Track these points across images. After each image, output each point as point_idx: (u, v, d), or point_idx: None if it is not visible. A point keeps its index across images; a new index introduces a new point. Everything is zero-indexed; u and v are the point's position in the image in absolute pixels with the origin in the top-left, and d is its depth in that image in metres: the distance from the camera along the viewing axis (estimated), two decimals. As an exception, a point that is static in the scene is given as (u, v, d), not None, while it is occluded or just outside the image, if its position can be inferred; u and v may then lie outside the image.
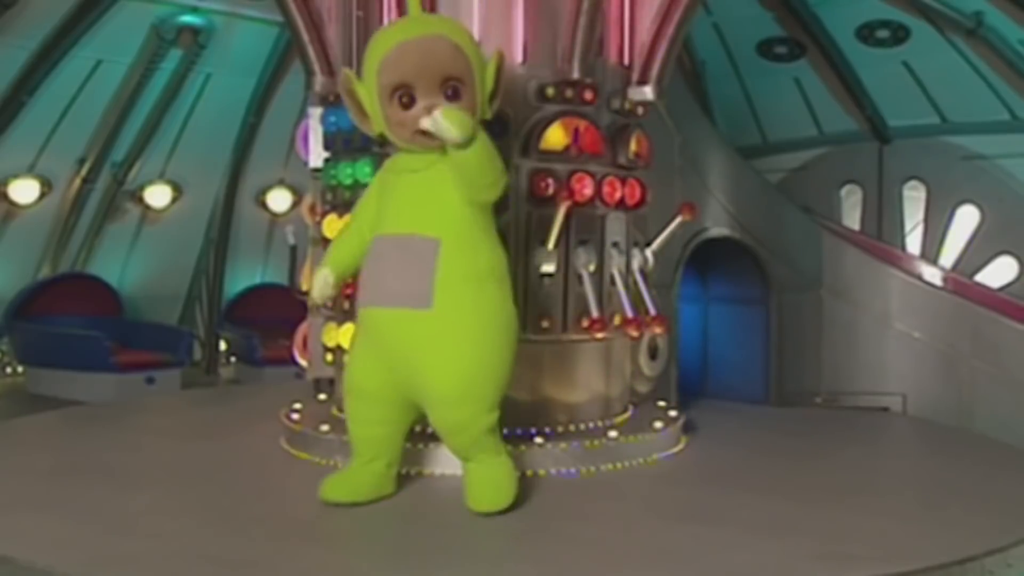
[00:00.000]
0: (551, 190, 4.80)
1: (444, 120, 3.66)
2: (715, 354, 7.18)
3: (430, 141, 3.79)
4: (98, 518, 3.78)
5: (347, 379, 4.05)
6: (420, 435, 4.35)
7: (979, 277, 9.24)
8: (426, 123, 3.71)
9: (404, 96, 3.80)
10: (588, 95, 4.99)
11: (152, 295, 12.05)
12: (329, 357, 5.24)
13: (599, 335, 4.95)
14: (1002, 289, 8.83)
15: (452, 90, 3.82)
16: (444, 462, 4.32)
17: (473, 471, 3.86)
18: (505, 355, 3.86)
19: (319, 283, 4.02)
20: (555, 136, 4.84)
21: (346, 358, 4.22)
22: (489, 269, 3.90)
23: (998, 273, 9.43)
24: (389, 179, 4.02)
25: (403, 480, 4.20)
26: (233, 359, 12.36)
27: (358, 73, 4.02)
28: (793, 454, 5.29)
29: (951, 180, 9.82)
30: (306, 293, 5.51)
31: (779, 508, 4.05)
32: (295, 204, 12.20)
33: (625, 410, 5.25)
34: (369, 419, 3.95)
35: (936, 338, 6.85)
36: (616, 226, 5.14)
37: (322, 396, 5.55)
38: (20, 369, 11.19)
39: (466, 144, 3.70)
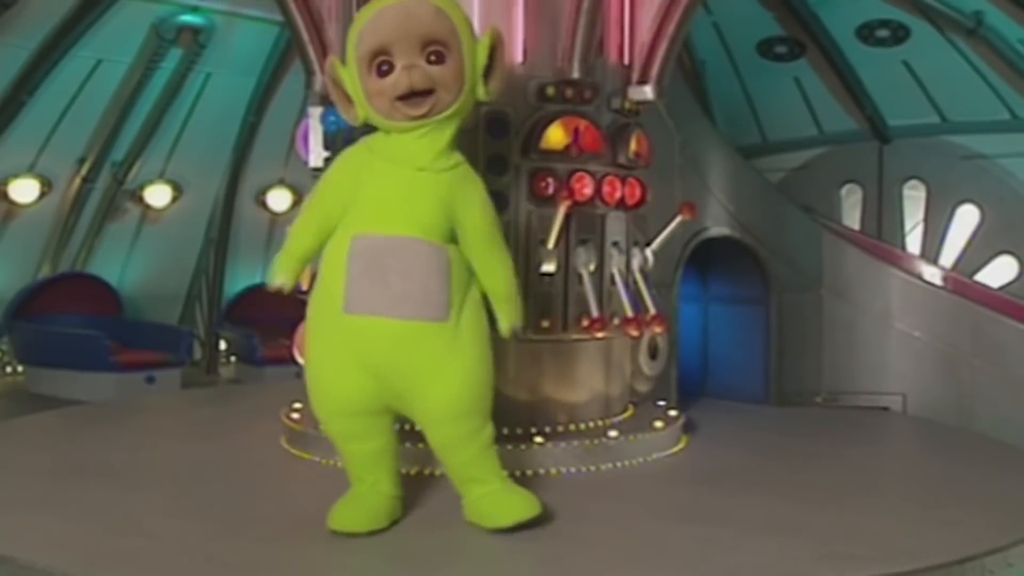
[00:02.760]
0: (551, 190, 4.80)
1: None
2: (715, 354, 7.17)
3: (410, 110, 3.57)
4: (98, 518, 3.78)
5: (325, 399, 3.71)
6: (420, 435, 4.35)
7: (979, 276, 9.23)
8: None
9: (383, 63, 3.57)
10: (588, 95, 4.99)
11: (152, 295, 12.03)
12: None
13: (599, 335, 4.96)
14: (1002, 288, 8.81)
15: (435, 54, 3.57)
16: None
17: (487, 492, 3.67)
18: (492, 361, 3.77)
19: (281, 283, 3.67)
20: (555, 136, 4.84)
21: (313, 372, 3.74)
22: (475, 281, 3.80)
23: (998, 273, 9.42)
24: (374, 164, 3.68)
25: (403, 480, 4.20)
26: (233, 359, 12.35)
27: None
28: (793, 454, 5.29)
29: (951, 180, 9.80)
30: (306, 293, 5.50)
31: (779, 508, 4.05)
32: (295, 204, 12.18)
33: (625, 410, 5.25)
34: (362, 434, 3.71)
35: (936, 338, 6.84)
36: (616, 225, 5.14)
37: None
38: (20, 369, 11.18)
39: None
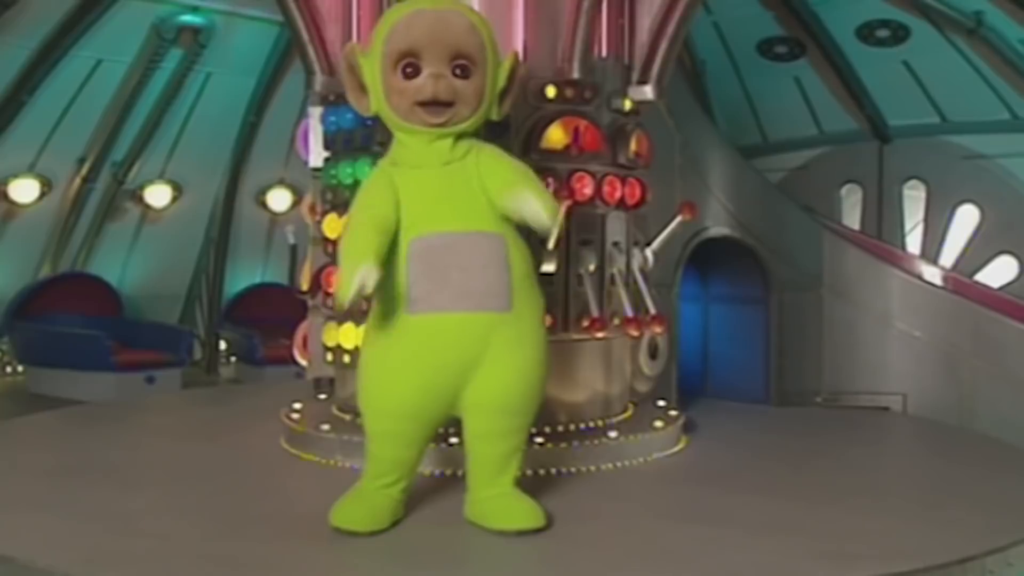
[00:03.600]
0: (551, 189, 4.79)
1: (537, 204, 3.48)
2: (715, 354, 7.17)
3: (429, 117, 3.61)
4: (98, 518, 3.78)
5: (382, 399, 3.64)
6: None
7: (979, 276, 9.23)
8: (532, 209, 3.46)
9: (409, 66, 3.60)
10: (588, 95, 4.99)
11: (152, 294, 12.05)
12: (329, 357, 5.23)
13: (599, 334, 4.95)
14: (1002, 288, 8.81)
15: (461, 68, 3.63)
16: (445, 462, 4.33)
17: (504, 494, 3.66)
18: (549, 360, 3.75)
19: (361, 280, 3.28)
20: (555, 136, 4.84)
21: (371, 371, 3.68)
22: (533, 266, 3.79)
23: (998, 272, 9.43)
24: (404, 173, 3.67)
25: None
26: (233, 359, 12.36)
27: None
28: (793, 454, 5.29)
29: (951, 180, 9.80)
30: (306, 293, 5.50)
31: (779, 508, 4.05)
32: (295, 204, 12.19)
33: (625, 410, 5.25)
34: (403, 441, 3.64)
35: (936, 337, 6.84)
36: (616, 225, 5.14)
37: (322, 395, 5.55)
38: (20, 369, 11.19)
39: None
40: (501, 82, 3.81)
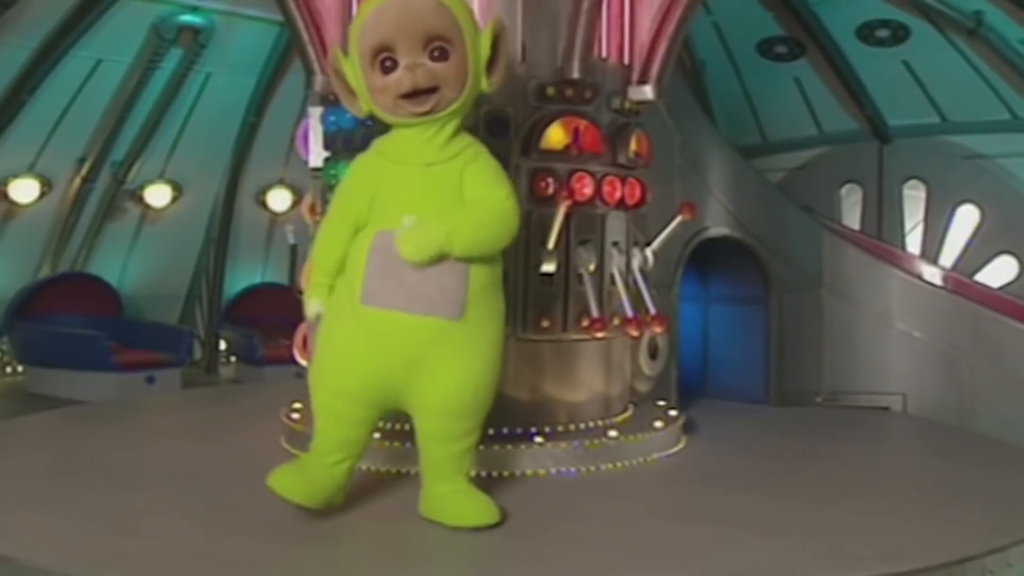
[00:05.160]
0: (551, 190, 4.80)
1: (401, 242, 3.51)
2: (715, 354, 7.17)
3: (414, 107, 3.59)
4: (98, 518, 3.78)
5: (329, 377, 3.72)
6: (412, 435, 4.35)
7: (979, 276, 9.23)
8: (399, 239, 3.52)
9: (386, 60, 3.58)
10: (588, 95, 4.99)
11: (152, 295, 12.04)
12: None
13: (599, 335, 4.95)
14: (1002, 288, 8.81)
15: (438, 51, 3.58)
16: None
17: (453, 491, 3.70)
18: (500, 366, 3.78)
19: (313, 310, 3.78)
20: (555, 136, 4.84)
21: (322, 349, 3.78)
22: (499, 276, 3.80)
23: (998, 272, 9.43)
24: (387, 167, 3.71)
25: (402, 480, 4.21)
26: (233, 359, 12.35)
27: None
28: (793, 454, 5.29)
29: (951, 180, 9.80)
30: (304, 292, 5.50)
31: (779, 508, 4.05)
32: (295, 204, 12.18)
33: (625, 410, 5.25)
34: (352, 421, 3.71)
35: (936, 337, 6.84)
36: (616, 225, 5.14)
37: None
38: (20, 369, 11.18)
39: (426, 257, 3.52)
40: (485, 52, 3.73)
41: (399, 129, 3.75)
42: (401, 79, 3.58)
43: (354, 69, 3.70)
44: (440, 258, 3.55)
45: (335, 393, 3.71)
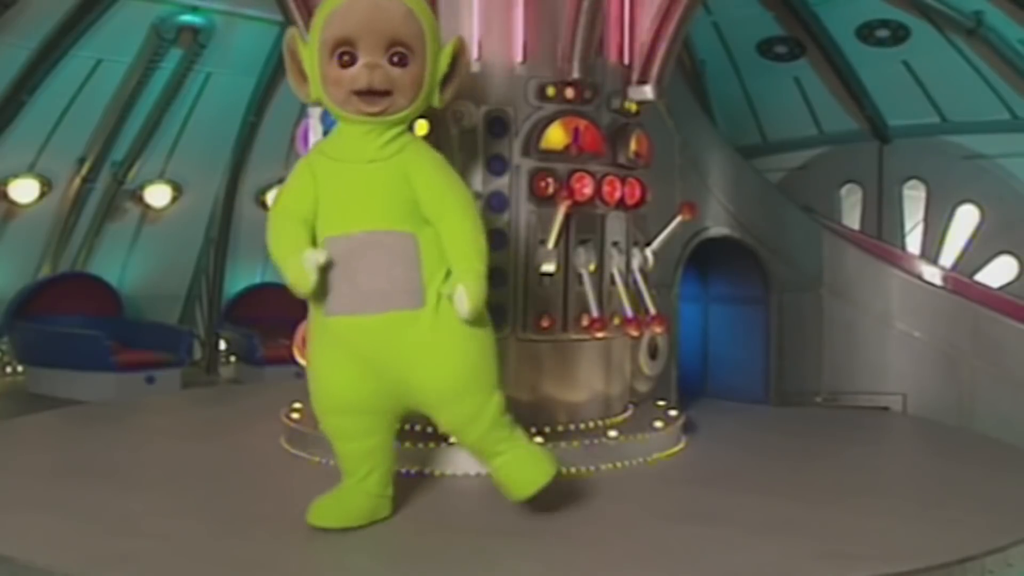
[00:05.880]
0: (551, 190, 4.80)
1: (465, 307, 3.48)
2: (715, 354, 7.18)
3: (365, 107, 3.58)
4: (98, 518, 3.78)
5: (322, 397, 3.72)
6: (420, 435, 4.36)
7: (979, 276, 9.24)
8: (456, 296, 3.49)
9: (345, 54, 3.56)
10: (588, 95, 4.99)
11: (152, 294, 12.04)
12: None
13: (599, 334, 4.95)
14: (1002, 288, 8.82)
15: (398, 56, 3.57)
16: (446, 462, 4.34)
17: (503, 463, 3.68)
18: (491, 335, 3.72)
19: (310, 266, 3.48)
20: (555, 136, 4.84)
21: (310, 371, 3.77)
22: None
23: (998, 272, 9.43)
24: (329, 167, 3.66)
25: (402, 480, 4.20)
26: (233, 358, 12.36)
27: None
28: (793, 454, 5.29)
29: (951, 180, 9.81)
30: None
31: (779, 508, 4.05)
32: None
33: (625, 410, 5.25)
34: (356, 433, 3.70)
35: (936, 337, 6.84)
36: (616, 225, 5.14)
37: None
38: (20, 369, 11.19)
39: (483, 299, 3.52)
40: (443, 68, 3.74)
41: (342, 127, 3.74)
42: (358, 75, 3.57)
43: (312, 55, 3.68)
44: (384, 252, 3.55)
45: (331, 410, 3.73)
